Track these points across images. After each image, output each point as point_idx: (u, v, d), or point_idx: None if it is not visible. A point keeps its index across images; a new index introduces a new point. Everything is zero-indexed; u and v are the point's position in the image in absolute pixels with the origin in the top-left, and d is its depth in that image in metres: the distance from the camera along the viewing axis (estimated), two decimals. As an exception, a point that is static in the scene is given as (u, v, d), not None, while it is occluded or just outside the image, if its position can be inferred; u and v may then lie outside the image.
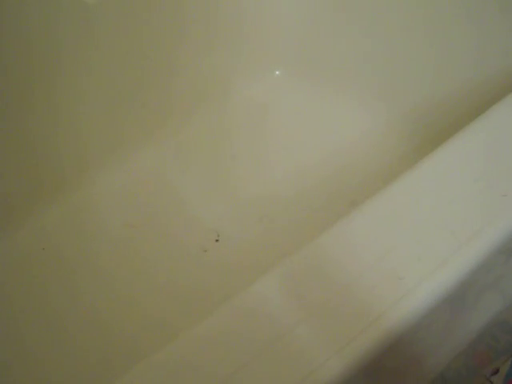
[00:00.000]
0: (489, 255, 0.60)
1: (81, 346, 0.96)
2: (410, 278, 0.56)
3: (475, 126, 0.72)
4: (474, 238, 0.59)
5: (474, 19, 1.03)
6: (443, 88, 1.14)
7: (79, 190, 1.16)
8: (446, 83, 1.12)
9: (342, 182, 1.14)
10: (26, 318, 0.99)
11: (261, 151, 1.22)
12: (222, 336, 0.55)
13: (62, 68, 1.07)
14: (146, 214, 1.14)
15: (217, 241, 1.09)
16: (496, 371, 1.00)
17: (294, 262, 0.60)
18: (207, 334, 0.56)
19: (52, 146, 1.12)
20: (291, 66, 1.33)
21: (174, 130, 1.25)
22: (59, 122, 1.11)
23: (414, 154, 1.10)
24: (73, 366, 0.93)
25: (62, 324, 0.98)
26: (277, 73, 1.35)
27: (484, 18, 1.02)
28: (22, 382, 0.91)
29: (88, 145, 1.17)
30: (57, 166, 1.13)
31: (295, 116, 1.23)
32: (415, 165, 0.69)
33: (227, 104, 1.29)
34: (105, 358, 0.93)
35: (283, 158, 1.21)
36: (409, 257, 0.58)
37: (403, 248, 0.59)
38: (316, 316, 0.55)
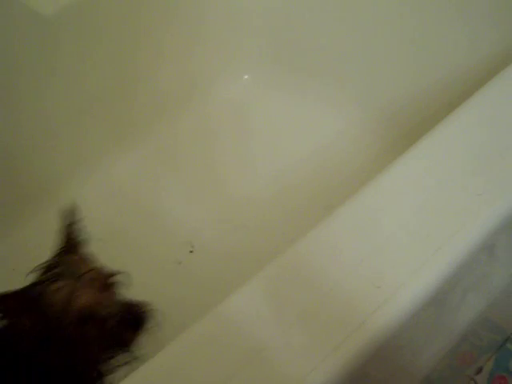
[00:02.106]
0: (467, 256, 0.59)
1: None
2: (388, 286, 0.55)
3: (446, 124, 0.71)
4: (450, 240, 0.58)
5: (447, 19, 1.04)
6: (415, 87, 1.14)
7: (49, 204, 1.11)
8: (418, 82, 1.13)
9: (317, 184, 1.13)
10: None
11: (233, 157, 1.19)
12: (204, 348, 0.53)
13: (30, 81, 1.04)
14: (116, 227, 1.11)
15: (191, 252, 1.06)
16: (479, 370, 1.00)
17: (273, 270, 0.59)
18: (188, 347, 0.54)
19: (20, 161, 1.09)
20: (260, 70, 1.31)
21: (141, 140, 1.23)
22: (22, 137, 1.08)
23: (388, 153, 1.10)
24: None
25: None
26: (245, 77, 1.33)
27: (452, 19, 1.03)
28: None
29: (56, 157, 1.13)
30: (25, 181, 1.10)
31: (266, 120, 1.21)
32: (388, 166, 0.67)
33: (196, 111, 1.27)
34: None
35: (257, 163, 1.19)
36: (385, 263, 0.56)
37: (379, 254, 0.57)
38: (298, 326, 0.54)
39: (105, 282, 0.69)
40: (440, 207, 0.62)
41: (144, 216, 1.12)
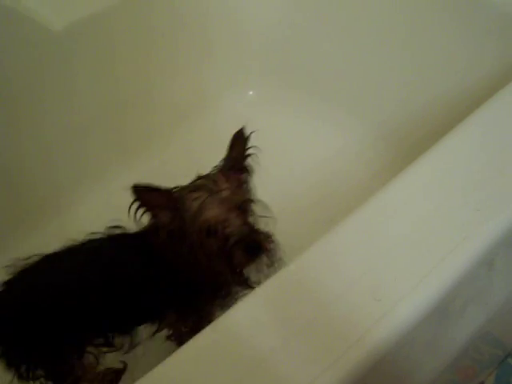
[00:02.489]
0: (466, 270, 0.59)
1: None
2: (388, 299, 0.55)
3: (446, 141, 0.72)
4: (450, 255, 0.59)
5: (444, 37, 1.05)
6: (413, 104, 1.15)
7: (56, 218, 1.14)
8: (416, 100, 1.14)
9: (318, 199, 1.13)
10: None
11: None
12: (208, 359, 0.54)
13: (36, 98, 1.05)
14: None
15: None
16: (481, 385, 1.00)
17: (277, 282, 0.60)
18: (193, 357, 0.55)
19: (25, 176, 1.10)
20: (264, 87, 1.33)
21: (147, 155, 1.24)
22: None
23: (387, 169, 1.11)
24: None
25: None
26: (250, 93, 1.35)
27: (451, 36, 1.04)
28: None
29: (62, 174, 1.15)
30: (31, 197, 1.11)
31: (268, 136, 1.22)
32: (389, 182, 0.68)
33: (202, 125, 1.29)
34: None
35: (258, 179, 1.20)
36: (385, 277, 0.57)
37: (380, 268, 0.58)
38: (299, 338, 0.54)
39: (238, 204, 0.72)
40: (440, 222, 0.63)
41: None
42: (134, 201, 0.70)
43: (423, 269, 0.58)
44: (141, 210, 0.71)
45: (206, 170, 0.92)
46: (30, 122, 1.07)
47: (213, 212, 0.70)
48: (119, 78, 1.16)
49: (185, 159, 1.14)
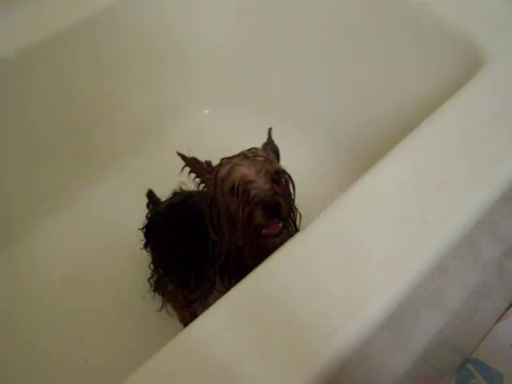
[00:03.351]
0: (416, 283, 0.61)
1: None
2: (339, 315, 0.56)
3: (399, 152, 0.75)
4: (400, 267, 0.61)
5: (396, 53, 1.09)
6: (368, 119, 1.17)
7: (17, 243, 1.13)
8: (370, 115, 1.16)
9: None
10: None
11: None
12: (175, 369, 0.55)
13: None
14: (83, 265, 1.12)
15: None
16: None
17: (242, 290, 0.61)
18: (161, 368, 0.55)
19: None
20: (220, 104, 1.34)
21: (106, 176, 1.23)
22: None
23: (347, 184, 1.13)
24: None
25: None
26: (206, 112, 1.36)
27: (402, 51, 1.08)
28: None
29: (19, 198, 1.14)
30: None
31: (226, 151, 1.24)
32: (342, 194, 0.70)
33: (159, 146, 1.29)
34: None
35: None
36: (335, 293, 0.59)
37: (329, 285, 0.60)
38: (257, 352, 0.55)
39: (268, 170, 0.73)
40: (389, 234, 0.65)
41: (112, 253, 1.12)
42: (184, 166, 0.79)
43: (372, 283, 0.59)
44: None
45: (171, 185, 0.96)
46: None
47: (241, 172, 0.72)
48: (76, 102, 1.16)
49: (137, 184, 1.14)
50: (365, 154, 1.15)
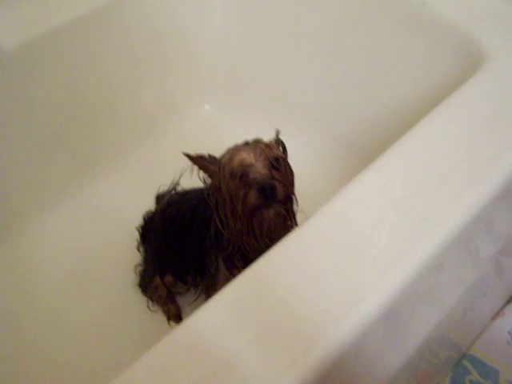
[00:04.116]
0: (414, 278, 0.61)
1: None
2: (335, 310, 0.57)
3: (398, 149, 0.75)
4: (395, 265, 0.61)
5: (394, 49, 1.09)
6: (367, 113, 1.18)
7: (17, 237, 1.13)
8: (370, 108, 1.17)
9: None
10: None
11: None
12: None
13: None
14: (85, 261, 1.12)
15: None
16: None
17: (242, 283, 0.61)
18: (160, 360, 0.55)
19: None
20: (220, 99, 1.34)
21: (109, 169, 1.24)
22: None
23: (347, 180, 1.13)
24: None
25: None
26: (206, 107, 1.36)
27: (402, 49, 1.08)
28: None
29: (21, 192, 1.14)
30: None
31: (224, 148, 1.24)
32: (341, 190, 0.70)
33: (160, 141, 1.29)
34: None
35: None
36: (331, 288, 0.59)
37: (326, 280, 0.60)
38: (255, 344, 0.55)
39: (268, 156, 0.75)
40: (388, 229, 0.65)
41: (111, 245, 1.12)
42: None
43: (369, 280, 0.60)
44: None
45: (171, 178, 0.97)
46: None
47: (241, 157, 0.74)
48: (78, 97, 1.16)
49: (139, 179, 1.14)
50: (364, 151, 1.16)
